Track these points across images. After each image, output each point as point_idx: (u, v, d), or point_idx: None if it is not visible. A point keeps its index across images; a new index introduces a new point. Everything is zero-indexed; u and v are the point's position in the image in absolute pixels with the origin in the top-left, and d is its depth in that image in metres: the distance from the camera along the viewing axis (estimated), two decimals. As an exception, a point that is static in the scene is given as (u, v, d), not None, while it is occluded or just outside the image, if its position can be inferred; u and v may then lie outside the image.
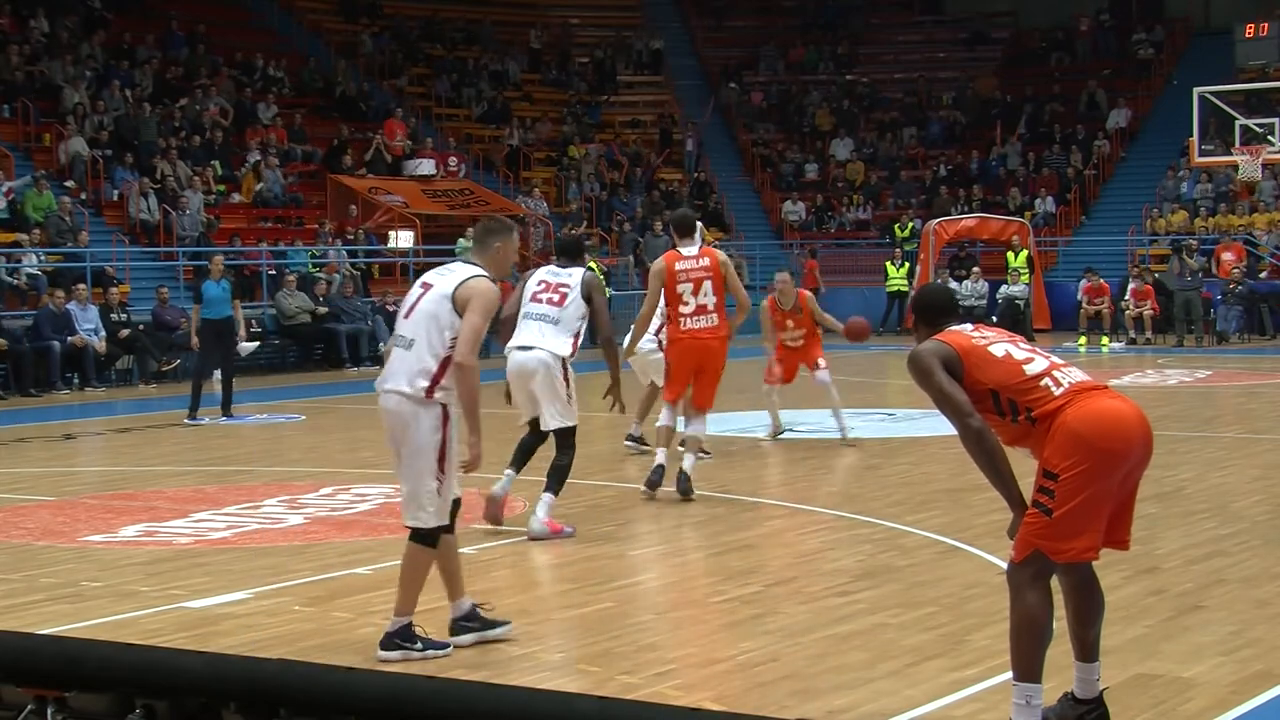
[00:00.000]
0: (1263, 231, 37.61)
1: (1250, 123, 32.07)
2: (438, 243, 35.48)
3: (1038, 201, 42.24)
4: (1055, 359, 6.94)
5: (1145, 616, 9.22)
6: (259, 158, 35.79)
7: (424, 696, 3.43)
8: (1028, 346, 6.99)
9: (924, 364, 6.85)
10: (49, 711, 3.06)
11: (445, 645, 8.49)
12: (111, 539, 12.29)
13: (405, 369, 8.40)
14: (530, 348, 11.79)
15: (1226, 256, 35.02)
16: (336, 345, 29.85)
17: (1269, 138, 31.75)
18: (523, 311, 12.07)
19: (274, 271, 31.50)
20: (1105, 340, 33.94)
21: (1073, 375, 6.79)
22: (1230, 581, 10.12)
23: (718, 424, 19.19)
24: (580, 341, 11.96)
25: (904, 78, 49.23)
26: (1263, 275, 35.60)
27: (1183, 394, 23.81)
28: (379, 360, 29.39)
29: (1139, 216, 40.68)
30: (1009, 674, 6.80)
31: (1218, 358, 30.39)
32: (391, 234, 35.21)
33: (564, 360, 11.73)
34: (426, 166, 38.66)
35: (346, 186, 36.56)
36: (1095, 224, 42.18)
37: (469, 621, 8.68)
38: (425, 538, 8.46)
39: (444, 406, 8.33)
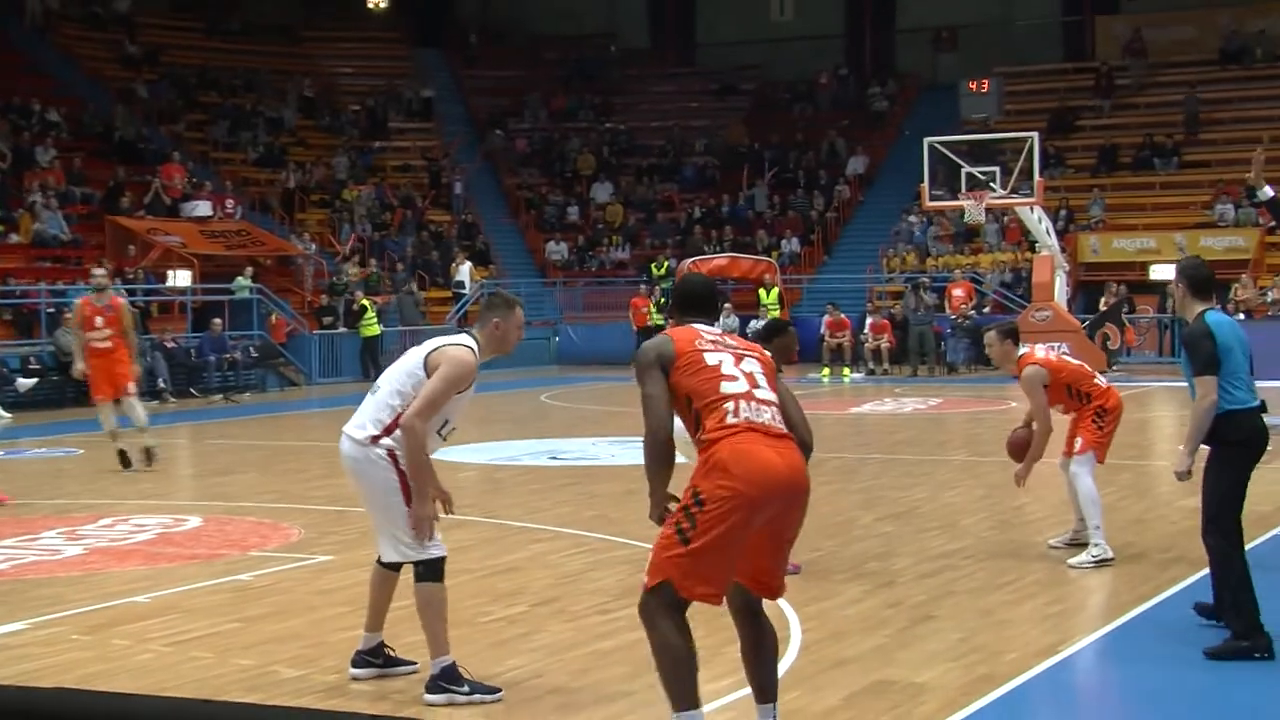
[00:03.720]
0: (987, 270, 38.59)
1: (974, 170, 32.88)
2: (215, 281, 34.95)
3: (784, 242, 42.89)
4: (761, 393, 6.53)
5: (883, 627, 9.40)
6: (37, 199, 34.96)
7: (205, 718, 3.38)
8: (748, 370, 6.57)
9: (639, 365, 6.60)
10: None
11: (496, 690, 7.83)
12: (-110, 572, 11.90)
13: (362, 414, 7.98)
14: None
15: (957, 293, 35.87)
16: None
17: (990, 184, 32.58)
18: None
19: (53, 310, 30.76)
20: (846, 371, 34.56)
21: (758, 413, 6.43)
22: (959, 593, 10.35)
23: (486, 453, 19.17)
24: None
25: (659, 125, 49.67)
26: (987, 310, 36.48)
27: (917, 420, 24.32)
28: (157, 395, 28.88)
29: (876, 256, 41.50)
30: None
31: (948, 386, 31.06)
32: (169, 273, 34.59)
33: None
34: (203, 208, 38.03)
35: (125, 227, 35.85)
36: (836, 263, 42.89)
37: (374, 657, 8.30)
38: (427, 573, 7.87)
39: (390, 450, 7.84)
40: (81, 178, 37.52)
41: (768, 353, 6.90)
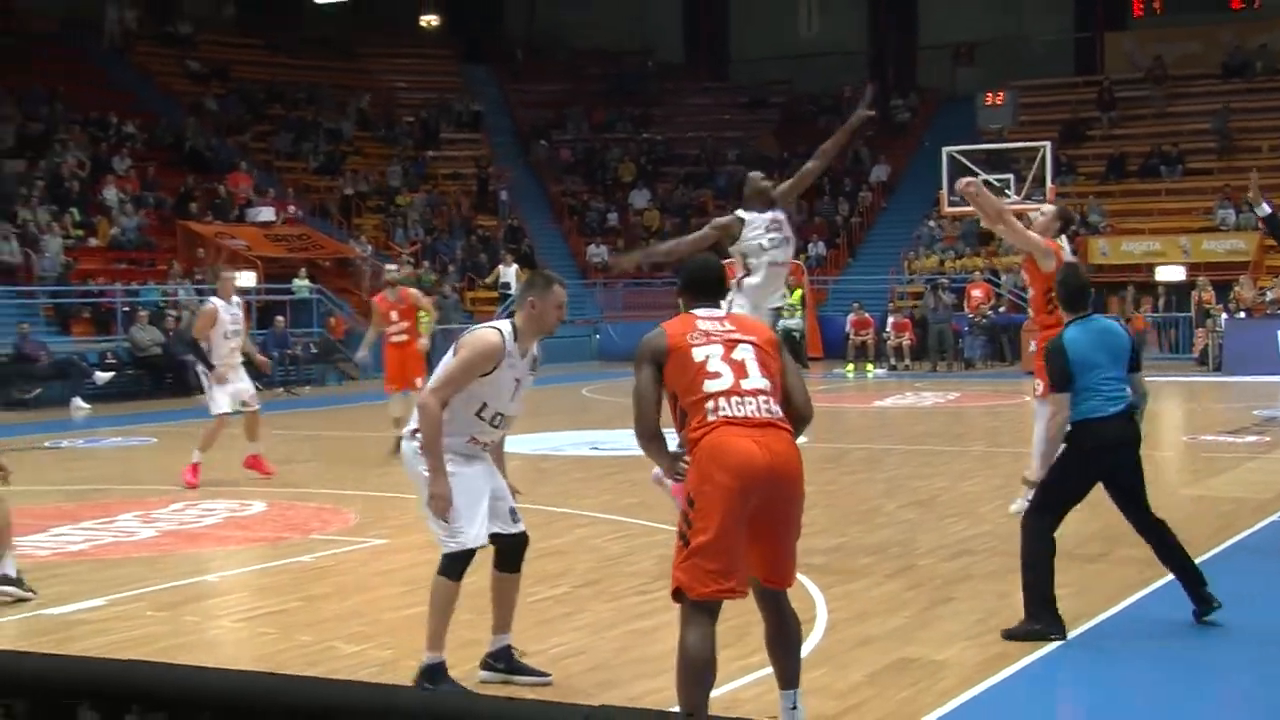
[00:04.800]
0: (1003, 271, 38.44)
1: (990, 177, 32.74)
2: (278, 282, 35.08)
3: (810, 245, 42.78)
4: (749, 383, 6.26)
5: (905, 608, 9.38)
6: (114, 205, 35.17)
7: (269, 691, 3.38)
8: (739, 359, 6.30)
9: (636, 359, 6.40)
10: None
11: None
12: (-23, 553, 11.97)
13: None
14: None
15: (976, 293, 35.78)
16: (185, 375, 29.35)
17: (1006, 190, 32.46)
18: None
19: (128, 308, 30.94)
20: (870, 367, 34.52)
21: (740, 407, 6.19)
22: (976, 576, 10.31)
23: (531, 443, 19.17)
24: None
25: (694, 136, 49.58)
26: (1002, 310, 36.39)
27: (937, 414, 24.24)
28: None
29: (898, 258, 41.41)
30: None
31: (966, 381, 30.96)
32: (236, 274, 34.72)
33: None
34: (267, 213, 38.17)
35: (195, 231, 36.01)
36: (861, 265, 42.82)
37: (496, 661, 7.82)
38: (444, 567, 7.51)
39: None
40: (155, 185, 37.70)
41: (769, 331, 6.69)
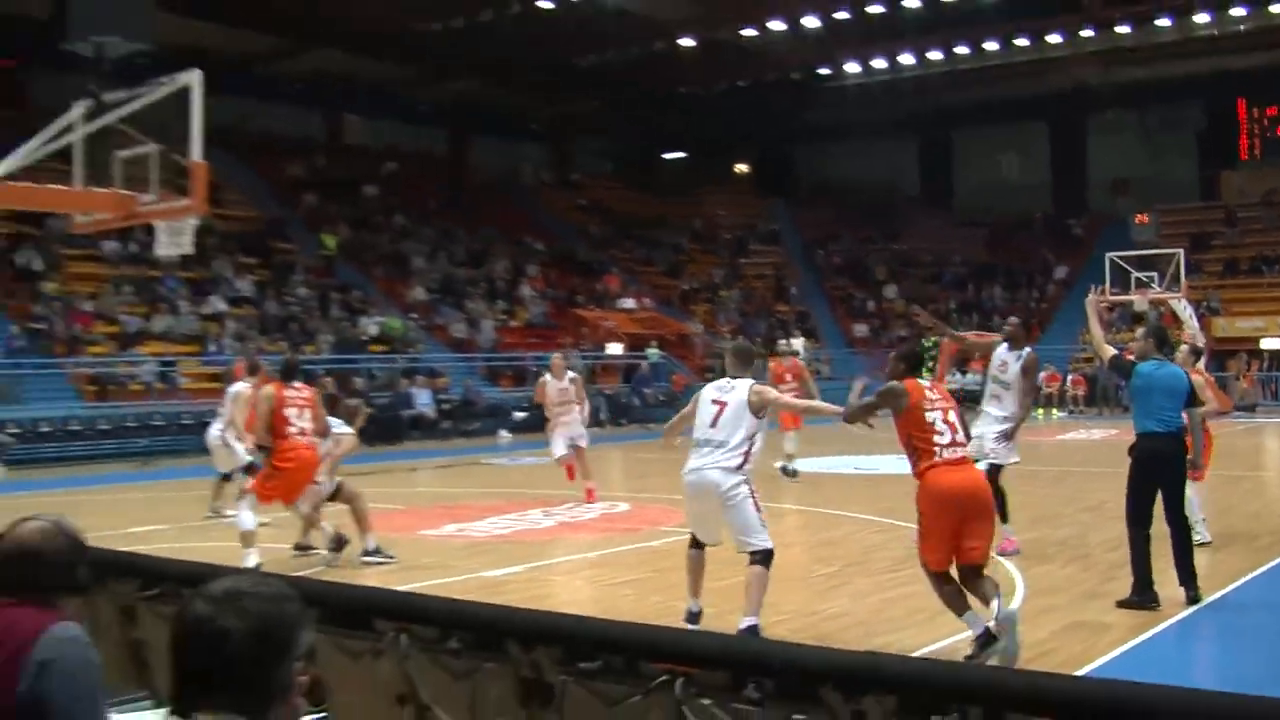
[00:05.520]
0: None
1: (1140, 275, 31.64)
2: (636, 350, 35.68)
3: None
4: (959, 437, 6.90)
5: (1080, 584, 9.08)
6: (527, 298, 36.36)
7: (732, 650, 2.88)
8: (951, 421, 6.91)
9: (883, 396, 7.09)
10: (678, 683, 2.64)
11: None
12: (438, 533, 12.50)
13: (721, 457, 7.41)
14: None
15: (1130, 358, 34.26)
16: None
17: (1151, 284, 31.29)
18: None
19: (536, 368, 31.86)
20: (1055, 411, 33.35)
21: (952, 453, 6.87)
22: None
23: (807, 465, 19.02)
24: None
25: (927, 246, 48.66)
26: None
27: (1103, 445, 23.28)
28: (599, 423, 29.47)
29: (1075, 333, 39.92)
30: (993, 622, 6.78)
31: (1124, 422, 29.44)
32: (608, 345, 35.50)
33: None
34: (630, 303, 38.90)
35: (581, 316, 36.92)
36: (1049, 338, 41.29)
37: (698, 619, 7.74)
38: (760, 559, 7.38)
39: (746, 477, 7.43)
40: (555, 284, 38.79)
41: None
